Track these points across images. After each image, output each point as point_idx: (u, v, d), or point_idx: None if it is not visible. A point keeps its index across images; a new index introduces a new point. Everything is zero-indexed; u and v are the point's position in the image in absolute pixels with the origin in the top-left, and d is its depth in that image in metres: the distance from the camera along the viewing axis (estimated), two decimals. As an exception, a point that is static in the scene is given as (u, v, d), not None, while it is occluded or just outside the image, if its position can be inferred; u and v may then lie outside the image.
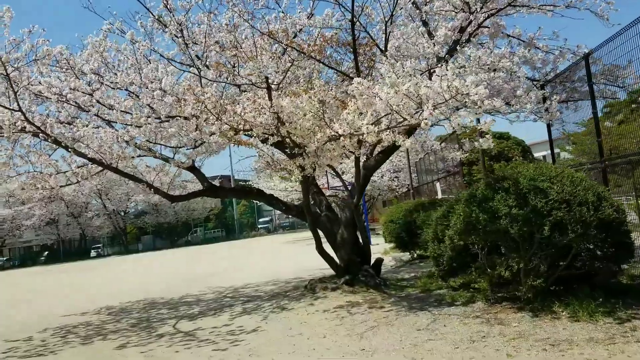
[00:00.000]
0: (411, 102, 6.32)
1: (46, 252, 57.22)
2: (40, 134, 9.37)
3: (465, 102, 5.91)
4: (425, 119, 6.04)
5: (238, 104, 8.03)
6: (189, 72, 10.51)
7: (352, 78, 9.14)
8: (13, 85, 8.09)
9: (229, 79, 8.92)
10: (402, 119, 6.56)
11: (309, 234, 45.12)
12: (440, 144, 17.45)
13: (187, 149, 10.23)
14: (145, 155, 10.67)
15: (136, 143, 10.30)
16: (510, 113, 10.15)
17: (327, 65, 8.97)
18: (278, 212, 64.73)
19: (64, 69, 9.54)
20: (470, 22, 9.64)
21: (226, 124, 8.26)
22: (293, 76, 9.27)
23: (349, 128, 6.88)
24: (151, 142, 9.44)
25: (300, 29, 10.26)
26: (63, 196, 51.53)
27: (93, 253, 56.12)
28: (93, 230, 56.26)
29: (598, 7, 9.85)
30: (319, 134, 7.30)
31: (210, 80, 9.57)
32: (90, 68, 9.29)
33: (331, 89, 7.68)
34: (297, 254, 22.17)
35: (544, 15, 10.25)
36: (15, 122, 8.94)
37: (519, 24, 10.66)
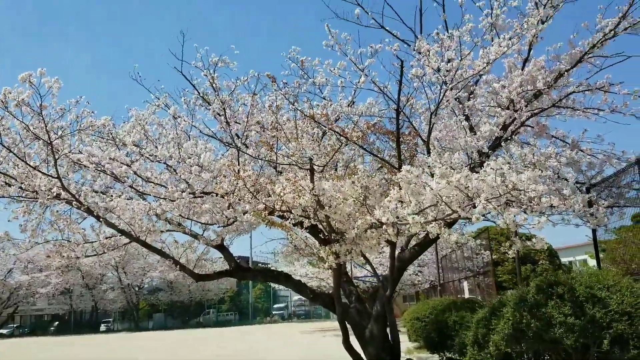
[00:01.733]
0: (461, 195, 6.06)
1: (57, 322, 56.27)
2: (74, 202, 9.28)
3: (520, 198, 5.63)
4: (478, 213, 5.75)
5: (275, 184, 7.86)
6: (228, 147, 10.54)
7: (393, 166, 9.03)
8: (54, 152, 8.08)
9: (268, 158, 8.80)
10: (449, 211, 6.27)
11: (325, 324, 43.82)
12: (475, 240, 16.93)
13: (218, 227, 10.01)
14: (174, 231, 10.48)
15: (167, 217, 10.17)
16: (553, 214, 9.80)
17: (368, 151, 8.85)
18: (294, 299, 63.43)
19: (105, 140, 9.60)
20: (514, 120, 9.57)
21: (263, 203, 8.08)
22: (332, 161, 9.16)
23: (392, 217, 6.61)
24: (183, 217, 9.25)
25: (339, 117, 10.31)
26: (80, 266, 51.36)
27: (103, 327, 54.97)
28: (106, 304, 55.40)
29: (643, 112, 9.76)
30: (359, 220, 7.03)
31: (249, 158, 9.51)
32: (132, 140, 9.31)
33: (374, 176, 7.48)
34: (320, 347, 21.19)
35: (586, 119, 10.18)
36: (51, 188, 8.89)
37: (563, 126, 10.54)
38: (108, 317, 58.50)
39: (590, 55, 9.50)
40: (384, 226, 6.78)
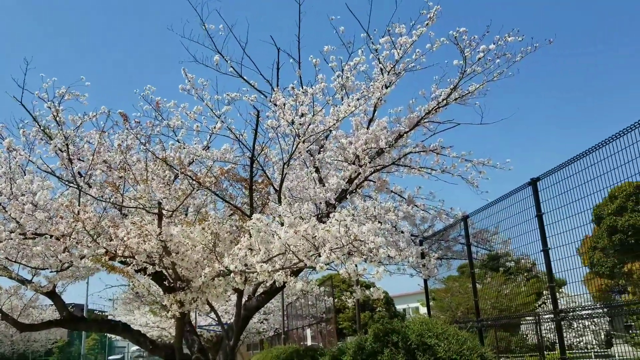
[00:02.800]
0: (308, 244, 6.29)
1: None
2: None
3: (361, 249, 5.99)
4: (322, 262, 5.98)
5: (119, 227, 7.50)
6: (68, 185, 9.88)
7: (245, 213, 9.09)
8: None
9: (112, 200, 8.39)
10: (296, 260, 6.45)
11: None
12: (319, 287, 17.39)
13: (51, 272, 9.20)
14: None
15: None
16: (390, 264, 10.49)
17: (221, 197, 8.83)
18: (132, 349, 59.33)
19: None
20: (359, 174, 10.21)
21: (103, 247, 7.64)
22: (183, 205, 8.99)
23: (240, 265, 6.62)
24: (10, 260, 8.38)
25: (193, 160, 10.21)
26: None
27: None
28: None
29: (469, 174, 10.98)
30: (207, 268, 6.94)
31: (92, 198, 8.98)
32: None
33: (225, 223, 7.47)
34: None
35: (421, 177, 11.20)
36: None
37: (400, 182, 11.50)
38: None
39: (426, 120, 10.56)
40: (232, 274, 6.75)
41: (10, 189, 8.71)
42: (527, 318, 8.05)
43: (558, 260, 6.80)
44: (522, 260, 8.28)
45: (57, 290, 9.84)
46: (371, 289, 6.62)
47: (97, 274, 11.03)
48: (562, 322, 6.77)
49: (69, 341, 57.32)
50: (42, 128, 9.98)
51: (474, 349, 6.05)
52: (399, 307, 47.09)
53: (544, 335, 9.48)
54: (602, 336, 21.98)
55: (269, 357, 15.30)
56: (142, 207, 7.30)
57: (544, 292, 9.12)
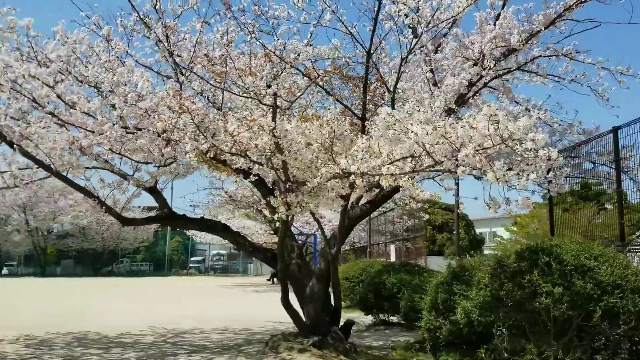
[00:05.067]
0: (445, 144, 5.44)
1: (-47, 263, 52.30)
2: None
3: (517, 149, 5.09)
4: (464, 164, 5.15)
5: (227, 122, 6.91)
6: (168, 79, 9.43)
7: (357, 115, 8.31)
8: (-38, 58, 6.67)
9: (222, 87, 7.75)
10: (430, 162, 5.65)
11: (242, 279, 43.17)
12: (416, 204, 16.65)
13: (154, 166, 8.94)
14: (101, 168, 9.27)
15: (93, 152, 8.94)
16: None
17: (333, 96, 8.04)
18: (212, 253, 62.27)
19: (25, 51, 8.19)
20: (480, 77, 9.08)
21: (211, 143, 7.13)
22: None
23: (363, 166, 5.91)
24: (114, 152, 8.11)
25: (297, 57, 9.38)
26: (-18, 205, 47.62)
27: (5, 270, 51.66)
28: (10, 246, 51.85)
29: (600, 85, 9.58)
30: (323, 168, 6.28)
31: (195, 93, 8.46)
32: (59, 55, 7.96)
33: (345, 120, 6.71)
34: (238, 302, 20.55)
35: (545, 86, 9.90)
36: (-46, 104, 7.47)
37: (520, 92, 10.24)
38: (12, 260, 55.04)
39: (563, 18, 9.13)
40: (352, 176, 6.07)
41: (112, 77, 8.29)
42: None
43: None
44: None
45: (158, 186, 9.62)
46: (517, 200, 5.75)
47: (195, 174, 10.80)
48: None
49: (154, 241, 60.78)
50: (140, 17, 9.41)
51: (638, 274, 5.16)
52: (480, 230, 45.93)
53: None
54: None
55: (355, 269, 14.98)
56: (255, 97, 6.63)
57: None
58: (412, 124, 5.48)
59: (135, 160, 8.58)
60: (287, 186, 7.24)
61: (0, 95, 8.44)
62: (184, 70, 9.10)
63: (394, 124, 5.53)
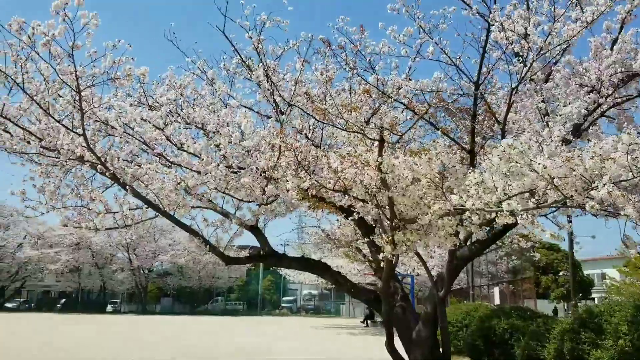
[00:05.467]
0: (574, 177, 4.95)
1: (63, 300, 55.78)
2: (99, 166, 8.26)
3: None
4: (601, 196, 4.63)
5: (329, 158, 6.78)
6: (268, 119, 9.52)
7: (465, 148, 7.91)
8: (82, 104, 7.05)
9: (328, 122, 7.65)
10: (556, 197, 5.16)
11: (335, 320, 42.57)
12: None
13: (256, 204, 8.97)
14: (205, 207, 9.45)
15: (198, 192, 9.14)
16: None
17: (437, 127, 7.72)
18: (304, 292, 62.27)
19: (136, 98, 8.59)
20: (598, 105, 8.42)
21: (313, 180, 7.02)
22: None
23: (479, 202, 5.51)
24: (219, 190, 8.21)
25: (399, 88, 9.19)
26: (91, 245, 50.84)
27: (109, 308, 54.41)
28: (114, 284, 54.79)
29: None
30: (435, 204, 5.93)
31: (295, 131, 8.45)
32: (168, 98, 8.27)
33: (454, 153, 6.36)
34: (340, 345, 20.09)
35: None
36: (75, 149, 7.89)
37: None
38: (115, 298, 57.96)
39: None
40: (467, 213, 5.68)
41: (217, 118, 8.49)
42: None
43: None
44: None
45: (259, 225, 9.64)
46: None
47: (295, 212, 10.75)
48: None
49: (247, 280, 61.90)
50: (243, 60, 9.65)
51: None
52: (588, 272, 42.78)
53: None
54: None
55: (457, 313, 14.26)
56: (361, 131, 6.46)
57: None
58: (535, 156, 5.05)
59: (238, 198, 8.63)
60: (394, 224, 6.93)
61: (114, 139, 8.90)
62: (284, 109, 9.17)
63: (515, 157, 5.11)
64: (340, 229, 12.23)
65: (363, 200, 7.23)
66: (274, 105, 9.44)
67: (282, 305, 58.90)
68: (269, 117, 9.98)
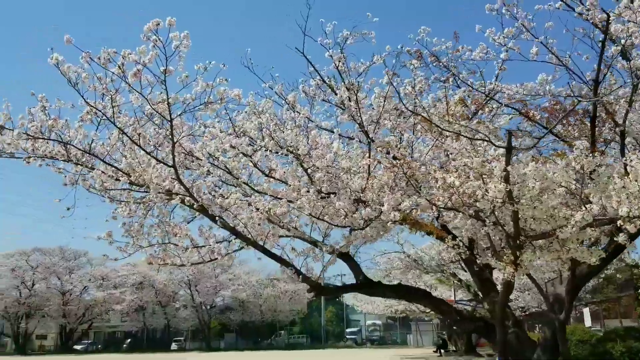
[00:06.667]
0: None
1: (129, 340, 56.33)
2: (186, 199, 7.91)
3: None
4: None
5: (447, 171, 6.18)
6: (353, 140, 9.04)
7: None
8: (174, 134, 6.73)
9: (452, 129, 7.05)
10: None
11: (405, 351, 41.05)
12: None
13: (346, 231, 8.43)
14: (293, 236, 8.98)
15: (286, 220, 8.68)
16: None
17: (560, 137, 7.01)
18: (367, 323, 60.77)
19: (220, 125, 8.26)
20: None
21: (424, 197, 6.43)
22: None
23: (636, 209, 4.78)
24: (314, 217, 7.71)
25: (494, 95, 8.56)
26: (154, 283, 51.37)
27: (174, 346, 54.52)
28: (178, 322, 54.97)
29: None
30: (578, 215, 5.22)
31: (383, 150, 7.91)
32: (260, 122, 7.90)
33: (596, 155, 5.65)
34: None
35: None
36: (162, 182, 7.58)
37: None
38: (180, 336, 58.14)
39: None
40: (619, 222, 4.95)
41: (307, 142, 8.06)
42: None
43: None
44: None
45: (350, 252, 9.08)
46: None
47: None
48: None
49: (309, 313, 61.00)
50: (324, 80, 9.27)
51: None
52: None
53: None
54: None
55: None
56: (486, 139, 5.84)
57: None
58: None
59: (333, 224, 8.10)
60: (518, 242, 6.23)
61: (201, 170, 8.57)
62: (373, 126, 8.66)
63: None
64: (426, 252, 11.48)
65: (479, 218, 6.57)
66: (360, 124, 8.96)
67: (347, 337, 57.55)
68: (351, 139, 9.51)
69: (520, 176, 5.47)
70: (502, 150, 5.88)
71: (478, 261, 7.72)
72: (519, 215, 5.98)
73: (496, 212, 6.20)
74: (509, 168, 5.43)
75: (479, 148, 6.37)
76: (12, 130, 6.92)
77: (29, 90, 6.98)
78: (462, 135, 6.27)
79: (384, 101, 8.39)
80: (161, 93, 6.29)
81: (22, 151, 7.59)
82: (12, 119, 7.06)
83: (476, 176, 5.74)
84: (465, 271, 15.51)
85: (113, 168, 7.55)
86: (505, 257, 6.37)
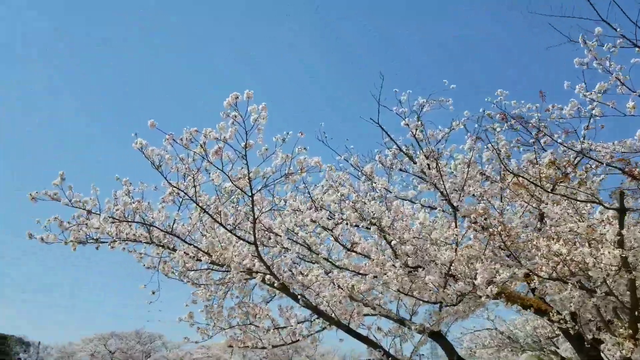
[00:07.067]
0: None
1: None
2: (267, 277, 7.67)
3: None
4: None
5: (550, 239, 5.62)
6: (435, 210, 8.60)
7: None
8: (255, 210, 6.59)
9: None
10: None
11: None
12: None
13: (445, 305, 7.85)
14: (378, 315, 8.47)
15: (370, 297, 8.22)
16: None
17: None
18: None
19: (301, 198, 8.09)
20: None
21: (524, 267, 5.87)
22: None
23: None
24: (403, 292, 7.23)
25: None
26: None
27: None
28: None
29: None
30: None
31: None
32: (339, 195, 7.67)
33: None
34: None
35: None
36: (243, 259, 7.40)
37: None
38: None
39: None
40: None
41: (388, 212, 7.70)
42: None
43: None
44: None
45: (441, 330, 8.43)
46: None
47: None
48: None
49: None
50: (402, 150, 9.03)
51: None
52: None
53: None
54: None
55: None
56: (596, 201, 5.31)
57: None
58: None
59: (423, 300, 7.56)
60: (637, 313, 5.50)
61: (279, 247, 8.35)
62: (456, 194, 8.23)
63: None
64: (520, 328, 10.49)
65: (588, 289, 5.89)
66: (442, 193, 8.56)
67: None
68: (433, 208, 9.09)
69: (637, 240, 4.87)
70: (611, 213, 5.32)
71: (588, 337, 6.92)
72: (637, 284, 5.30)
73: (608, 281, 5.54)
74: (623, 232, 4.84)
75: (582, 212, 5.81)
76: (99, 214, 7.00)
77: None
78: (569, 198, 5.74)
79: (468, 167, 8.00)
80: (242, 168, 6.20)
81: (106, 236, 7.66)
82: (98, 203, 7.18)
83: (584, 242, 5.17)
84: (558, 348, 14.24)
85: (194, 248, 7.45)
86: (621, 330, 5.62)
